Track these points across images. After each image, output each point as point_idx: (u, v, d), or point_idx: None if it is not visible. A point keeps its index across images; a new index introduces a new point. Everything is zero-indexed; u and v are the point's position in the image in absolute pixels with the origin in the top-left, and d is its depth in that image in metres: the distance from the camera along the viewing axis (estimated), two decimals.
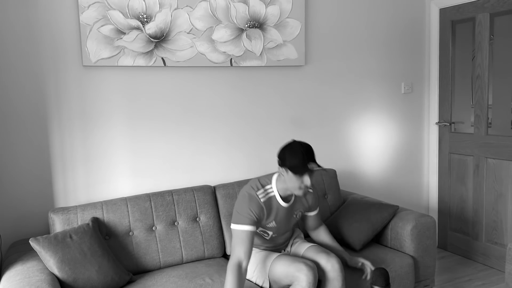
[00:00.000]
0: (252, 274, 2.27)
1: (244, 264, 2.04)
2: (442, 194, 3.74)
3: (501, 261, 3.30)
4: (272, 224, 2.22)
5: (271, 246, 2.34)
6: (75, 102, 2.55)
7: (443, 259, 3.57)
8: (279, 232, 2.29)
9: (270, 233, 2.26)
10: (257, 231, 2.24)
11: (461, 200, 3.59)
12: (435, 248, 2.70)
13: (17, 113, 2.42)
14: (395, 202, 3.62)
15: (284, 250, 2.39)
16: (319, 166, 2.10)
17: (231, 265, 2.03)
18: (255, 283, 2.25)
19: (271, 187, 2.21)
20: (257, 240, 2.30)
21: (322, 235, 2.48)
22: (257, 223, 2.13)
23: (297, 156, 2.08)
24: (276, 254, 2.22)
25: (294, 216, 2.31)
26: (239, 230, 2.09)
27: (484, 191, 3.41)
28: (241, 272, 2.02)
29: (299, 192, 2.13)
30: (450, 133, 3.64)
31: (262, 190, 2.19)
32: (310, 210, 2.41)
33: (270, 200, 2.19)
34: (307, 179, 2.09)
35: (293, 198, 2.27)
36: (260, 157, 3.07)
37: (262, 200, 2.16)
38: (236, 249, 2.06)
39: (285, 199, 2.23)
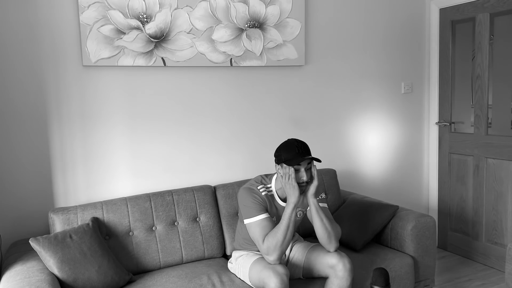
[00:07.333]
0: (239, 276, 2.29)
1: None
2: (442, 194, 3.74)
3: (501, 261, 3.30)
4: (273, 220, 2.22)
5: None
6: (75, 102, 2.55)
7: (443, 259, 3.57)
8: None
9: None
10: None
11: (461, 200, 3.59)
12: (435, 248, 2.70)
13: (17, 113, 2.42)
14: (395, 202, 3.60)
15: (285, 254, 2.34)
16: (315, 158, 2.14)
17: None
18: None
19: (271, 186, 2.29)
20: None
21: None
22: (267, 210, 2.17)
23: (291, 149, 2.14)
24: (254, 257, 2.21)
25: (296, 216, 2.28)
26: (255, 221, 2.14)
27: (484, 191, 3.41)
28: None
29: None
30: (450, 133, 3.64)
31: (262, 185, 2.26)
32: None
33: (270, 197, 2.25)
34: (303, 173, 2.12)
35: None
36: (260, 157, 3.07)
37: (263, 193, 2.23)
38: (260, 239, 2.09)
39: (284, 200, 2.26)
